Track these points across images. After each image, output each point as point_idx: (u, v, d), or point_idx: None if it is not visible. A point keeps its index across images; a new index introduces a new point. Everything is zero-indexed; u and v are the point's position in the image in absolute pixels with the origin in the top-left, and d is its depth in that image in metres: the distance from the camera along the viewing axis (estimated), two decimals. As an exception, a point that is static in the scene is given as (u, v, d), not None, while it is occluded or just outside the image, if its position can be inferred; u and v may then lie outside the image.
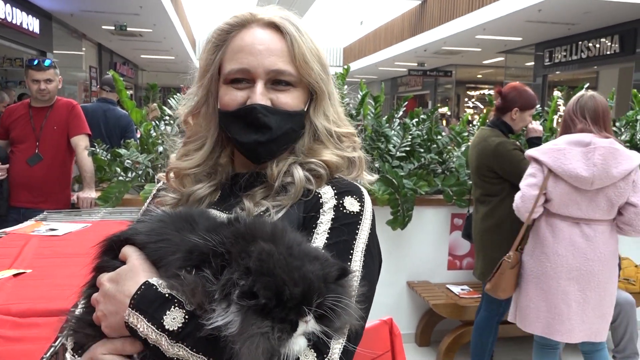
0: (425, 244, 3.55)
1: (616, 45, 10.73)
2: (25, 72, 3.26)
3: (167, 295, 0.72)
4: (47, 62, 3.24)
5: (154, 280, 0.74)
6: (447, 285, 3.45)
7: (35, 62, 3.23)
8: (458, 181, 3.46)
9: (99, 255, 0.85)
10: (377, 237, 0.93)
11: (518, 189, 2.48)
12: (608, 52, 11.01)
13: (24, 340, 1.04)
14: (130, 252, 0.79)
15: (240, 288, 0.67)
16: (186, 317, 0.71)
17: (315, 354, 0.74)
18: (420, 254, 3.55)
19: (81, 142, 3.26)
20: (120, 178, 3.14)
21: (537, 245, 2.39)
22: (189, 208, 0.90)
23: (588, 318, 2.30)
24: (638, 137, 4.04)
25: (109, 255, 0.84)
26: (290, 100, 0.91)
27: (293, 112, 0.91)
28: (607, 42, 10.99)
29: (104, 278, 0.79)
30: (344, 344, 0.78)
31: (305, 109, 0.94)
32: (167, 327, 0.70)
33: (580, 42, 11.76)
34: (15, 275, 1.39)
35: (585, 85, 4.34)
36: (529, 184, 2.37)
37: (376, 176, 1.02)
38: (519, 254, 2.46)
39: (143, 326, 0.71)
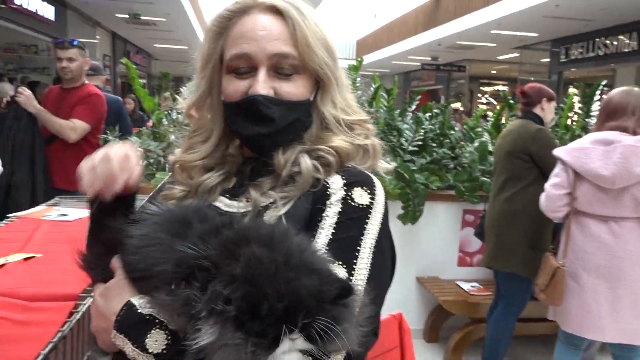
0: (435, 239, 3.52)
1: (634, 43, 10.54)
2: (55, 52, 3.33)
3: (147, 316, 0.71)
4: (74, 42, 3.29)
5: (136, 300, 0.73)
6: (457, 282, 3.42)
7: (61, 41, 3.28)
8: (470, 177, 3.42)
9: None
10: (391, 234, 0.87)
11: (546, 177, 2.52)
12: (626, 50, 10.82)
13: (32, 324, 1.04)
14: (118, 267, 0.79)
15: (223, 298, 0.63)
16: (168, 337, 0.69)
17: None
18: (430, 249, 3.52)
19: (73, 123, 3.20)
20: (132, 166, 3.14)
21: (567, 243, 2.38)
22: (187, 207, 0.86)
23: (621, 318, 2.27)
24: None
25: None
26: (294, 89, 0.87)
27: (298, 101, 0.87)
28: (624, 39, 10.80)
29: (97, 292, 0.79)
30: None
31: (312, 98, 0.90)
32: (150, 350, 0.69)
33: (597, 39, 11.57)
34: (25, 259, 1.40)
35: (602, 83, 4.28)
36: (552, 183, 2.39)
37: (393, 164, 0.97)
38: (553, 254, 2.44)
39: (129, 349, 0.71)
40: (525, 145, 2.71)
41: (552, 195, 2.37)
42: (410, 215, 3.23)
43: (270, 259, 0.66)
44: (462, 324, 3.25)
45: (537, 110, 2.83)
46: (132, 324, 0.71)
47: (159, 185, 1.04)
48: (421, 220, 3.28)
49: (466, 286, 3.34)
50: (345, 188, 0.83)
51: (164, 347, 0.69)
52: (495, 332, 2.83)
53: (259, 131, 0.86)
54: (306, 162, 0.85)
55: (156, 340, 0.69)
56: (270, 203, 0.83)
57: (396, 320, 1.75)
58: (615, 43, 11.14)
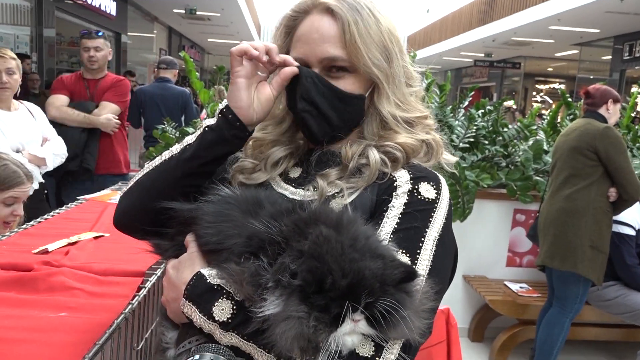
0: (484, 238, 3.46)
1: None
2: (80, 43, 3.46)
3: (215, 286, 0.75)
4: (99, 33, 3.42)
5: (206, 271, 0.78)
6: (505, 282, 3.36)
7: (87, 32, 3.42)
8: (523, 175, 3.34)
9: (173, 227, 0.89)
10: (453, 231, 0.89)
11: (610, 178, 2.54)
12: (696, 47, 10.18)
13: (105, 296, 1.12)
14: (190, 240, 0.84)
15: (290, 271, 0.66)
16: (234, 307, 0.73)
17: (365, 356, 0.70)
18: (478, 248, 3.47)
19: (105, 109, 3.32)
20: (187, 155, 3.26)
21: None
22: (257, 190, 0.90)
23: None
24: None
25: (174, 227, 0.88)
26: (345, 85, 0.89)
27: (346, 92, 0.89)
28: (696, 36, 10.16)
29: (169, 265, 0.84)
30: (397, 354, 0.72)
31: (366, 94, 0.92)
32: (217, 318, 0.73)
33: (665, 36, 10.94)
34: (95, 237, 1.50)
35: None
36: None
37: (456, 157, 0.99)
38: None
39: (196, 317, 0.75)
40: (593, 142, 2.63)
41: None
42: (460, 213, 3.20)
43: (337, 240, 0.69)
44: (508, 325, 3.20)
45: (602, 111, 2.76)
46: (201, 293, 0.75)
47: (229, 160, 1.09)
48: (470, 218, 3.24)
49: (514, 287, 3.28)
50: (412, 182, 0.85)
51: (229, 315, 0.73)
52: (548, 335, 2.76)
53: (303, 107, 0.88)
54: (374, 154, 0.88)
55: (222, 309, 0.73)
56: (336, 192, 0.86)
57: (444, 314, 1.76)
58: (684, 40, 10.50)
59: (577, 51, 14.82)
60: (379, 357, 0.71)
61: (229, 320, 0.73)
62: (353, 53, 0.87)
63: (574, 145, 2.71)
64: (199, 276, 0.77)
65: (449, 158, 0.96)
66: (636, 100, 4.25)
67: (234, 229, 0.77)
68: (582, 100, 2.91)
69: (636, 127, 3.98)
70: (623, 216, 2.80)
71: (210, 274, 0.76)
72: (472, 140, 3.50)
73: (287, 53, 0.93)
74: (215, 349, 0.73)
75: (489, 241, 3.48)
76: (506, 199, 3.40)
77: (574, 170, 2.69)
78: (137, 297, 1.13)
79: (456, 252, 0.90)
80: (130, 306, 1.08)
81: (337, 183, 0.87)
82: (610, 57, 13.06)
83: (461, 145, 3.49)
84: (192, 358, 0.65)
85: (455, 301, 3.47)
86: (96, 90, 3.40)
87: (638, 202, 2.80)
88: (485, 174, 3.33)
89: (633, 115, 4.26)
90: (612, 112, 2.77)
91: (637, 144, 3.76)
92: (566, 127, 3.14)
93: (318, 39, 0.88)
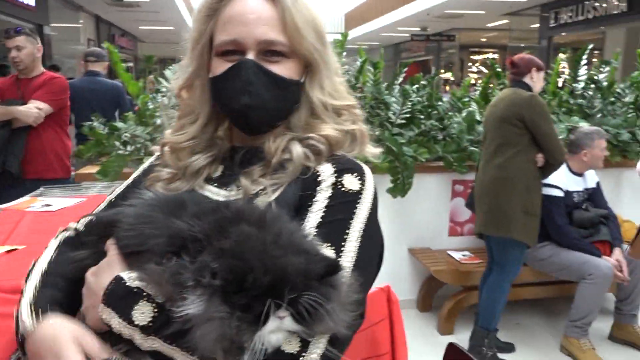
0: (426, 211, 3.55)
1: (624, 5, 10.45)
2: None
3: (135, 289, 0.71)
4: (17, 29, 3.18)
5: (125, 274, 0.74)
6: (448, 252, 3.47)
7: (7, 31, 3.19)
8: (459, 147, 3.43)
9: (85, 232, 0.86)
10: (379, 224, 0.88)
11: (537, 144, 2.68)
12: (615, 12, 10.73)
13: (12, 317, 1.05)
14: (110, 244, 0.80)
15: (211, 271, 0.64)
16: (155, 310, 0.69)
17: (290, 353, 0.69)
18: (421, 221, 3.55)
19: (34, 104, 3.10)
20: (120, 152, 3.14)
21: None
22: (180, 192, 0.88)
23: None
24: (643, 99, 3.98)
25: (94, 235, 0.85)
26: (282, 70, 0.87)
27: (287, 78, 0.87)
28: (614, 1, 10.70)
29: (89, 272, 0.79)
30: (324, 348, 0.71)
31: (302, 81, 0.90)
32: (136, 322, 0.69)
33: (586, 2, 11.46)
34: (8, 251, 1.40)
35: (589, 47, 4.27)
36: None
37: (380, 149, 0.98)
38: None
39: (115, 322, 0.71)
40: (519, 111, 2.71)
41: None
42: (400, 188, 3.25)
43: (259, 237, 0.67)
44: (454, 293, 3.31)
45: (526, 79, 2.83)
46: (120, 297, 0.72)
47: (144, 167, 1.04)
48: (411, 193, 3.30)
49: (457, 255, 3.39)
50: (335, 175, 0.84)
51: (150, 319, 0.70)
52: (489, 299, 2.88)
53: (247, 103, 0.85)
54: (297, 149, 0.86)
55: (142, 313, 0.70)
56: (260, 190, 0.84)
57: (384, 292, 1.78)
58: (604, 5, 11.03)
59: (507, 21, 15.31)
60: (306, 353, 0.70)
61: (150, 324, 0.69)
62: (294, 37, 0.85)
63: (501, 115, 2.79)
64: (117, 280, 0.73)
65: (373, 151, 0.96)
66: (560, 66, 4.43)
67: (155, 230, 0.74)
68: (508, 70, 2.99)
69: (561, 93, 4.15)
70: (551, 179, 2.93)
71: (130, 277, 0.73)
72: (408, 115, 3.55)
73: (210, 39, 0.89)
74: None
75: (431, 213, 3.57)
76: (444, 171, 3.48)
77: (504, 139, 2.77)
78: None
79: (382, 243, 0.89)
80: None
81: (261, 181, 0.86)
82: (538, 25, 13.57)
83: (398, 121, 3.53)
84: None
85: (403, 274, 3.56)
86: (27, 89, 3.17)
87: (565, 165, 2.93)
88: (423, 149, 3.39)
89: (559, 80, 4.44)
90: (536, 80, 2.85)
91: (563, 109, 3.93)
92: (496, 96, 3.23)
93: (255, 20, 0.84)
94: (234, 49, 0.86)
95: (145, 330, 0.69)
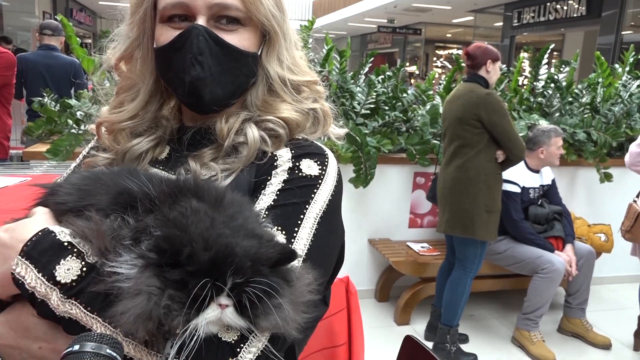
0: (387, 202, 3.55)
1: (583, 8, 10.79)
2: None
3: (65, 243, 0.62)
4: None
5: (56, 228, 0.64)
6: (408, 243, 3.49)
7: None
8: (422, 140, 3.44)
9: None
10: (341, 215, 0.80)
11: (496, 142, 2.70)
12: (575, 15, 11.07)
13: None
14: (37, 208, 0.70)
15: (150, 238, 0.57)
16: (84, 269, 0.60)
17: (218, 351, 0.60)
18: (382, 212, 3.56)
19: None
20: (73, 131, 2.99)
21: None
22: (133, 166, 0.80)
23: None
24: (598, 100, 4.10)
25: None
26: (237, 41, 0.78)
27: (241, 49, 0.78)
28: (574, 4, 11.03)
29: (0, 228, 0.67)
30: (262, 348, 0.63)
31: (259, 53, 0.82)
32: (58, 278, 0.60)
33: (548, 4, 11.77)
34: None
35: (551, 47, 4.36)
36: (637, 143, 2.79)
37: (345, 129, 0.90)
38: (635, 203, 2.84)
39: (31, 277, 0.60)
40: (476, 111, 2.71)
41: (634, 152, 2.77)
42: (362, 179, 3.24)
43: (208, 214, 0.61)
44: (412, 284, 3.34)
45: (482, 72, 2.81)
46: (44, 250, 0.61)
47: (83, 152, 0.96)
48: (373, 183, 3.30)
49: (416, 247, 3.41)
50: (293, 160, 0.77)
51: (75, 277, 0.60)
52: (452, 295, 2.89)
53: (197, 74, 0.76)
54: (253, 132, 0.79)
55: (68, 269, 0.60)
56: (211, 175, 0.77)
57: (343, 283, 1.76)
58: (565, 8, 11.36)
59: (472, 17, 15.56)
60: (244, 345, 0.61)
61: (73, 284, 0.60)
62: (250, 2, 0.77)
63: (459, 116, 2.78)
64: (45, 232, 0.62)
65: (337, 131, 0.89)
66: (522, 64, 4.51)
67: (101, 188, 0.67)
68: (463, 61, 2.97)
69: (522, 91, 4.23)
70: (508, 175, 2.97)
71: (62, 231, 0.63)
72: (372, 106, 3.53)
73: (153, 3, 0.80)
74: (97, 336, 0.63)
75: (392, 204, 3.58)
76: (406, 163, 3.49)
77: (463, 140, 2.78)
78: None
79: (343, 234, 0.83)
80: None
81: (212, 165, 0.78)
82: (501, 23, 13.85)
83: (362, 111, 3.51)
84: (70, 348, 0.54)
85: (362, 264, 3.56)
86: None
87: (522, 161, 2.99)
88: (386, 140, 3.39)
89: (520, 79, 4.53)
90: (492, 72, 2.82)
91: (523, 106, 4.01)
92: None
93: None
94: (182, 13, 0.77)
95: (65, 290, 0.60)
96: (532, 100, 4.10)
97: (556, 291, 3.24)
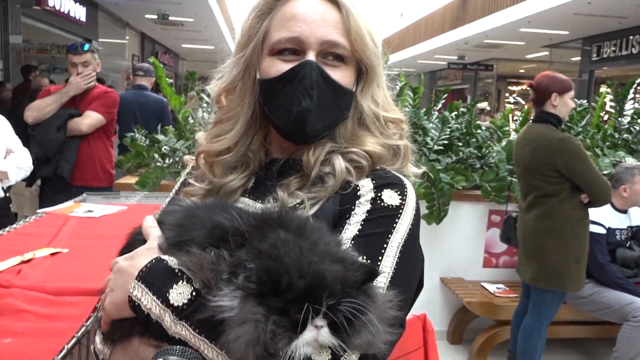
0: (460, 240, 3.46)
1: (671, 40, 10.20)
2: (67, 57, 3.35)
3: (176, 270, 0.68)
4: (85, 47, 3.30)
5: (166, 257, 0.71)
6: (482, 283, 3.36)
7: (74, 46, 3.30)
8: (497, 177, 3.36)
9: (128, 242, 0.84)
10: (419, 240, 0.83)
11: (578, 189, 2.46)
12: (661, 47, 10.48)
13: (57, 319, 1.05)
14: (150, 231, 0.77)
15: (246, 271, 0.62)
16: (193, 293, 0.66)
17: None
18: (455, 250, 3.47)
19: (89, 118, 3.20)
20: (158, 164, 3.19)
21: None
22: (223, 199, 0.86)
23: None
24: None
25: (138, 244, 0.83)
26: (341, 77, 0.83)
27: (344, 86, 0.83)
28: (660, 36, 10.46)
29: (120, 259, 0.76)
30: None
31: (354, 89, 0.86)
32: (172, 301, 0.66)
33: (631, 37, 11.22)
34: (52, 254, 1.43)
35: (637, 81, 4.15)
36: None
37: (423, 168, 0.93)
38: None
39: (147, 299, 0.67)
40: (551, 161, 2.51)
41: None
42: (435, 215, 3.19)
43: (296, 243, 0.66)
44: (487, 326, 3.19)
45: (548, 107, 2.58)
46: (159, 275, 0.68)
47: (181, 180, 1.03)
48: (446, 220, 3.24)
49: (491, 288, 3.28)
50: (375, 190, 0.81)
51: (186, 301, 0.66)
52: (527, 344, 2.72)
53: (307, 106, 0.80)
54: (340, 164, 0.82)
55: (180, 293, 0.67)
56: (297, 204, 0.81)
57: (420, 321, 1.72)
58: (649, 40, 10.79)
59: (547, 53, 15.11)
60: None
61: (184, 307, 0.66)
62: (356, 41, 0.82)
63: (532, 165, 2.59)
64: (158, 260, 0.70)
65: (414, 170, 0.91)
66: (604, 99, 4.31)
67: (197, 223, 0.74)
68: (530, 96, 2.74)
69: (605, 127, 4.04)
70: (592, 215, 2.80)
71: (172, 260, 0.70)
72: (446, 142, 3.50)
73: (263, 40, 0.84)
74: (180, 351, 0.66)
75: (466, 243, 3.48)
76: (481, 200, 3.40)
77: (541, 191, 2.60)
78: (92, 318, 1.06)
79: (423, 262, 0.85)
80: (83, 328, 1.01)
81: (298, 194, 0.82)
82: (579, 58, 13.35)
83: (435, 147, 3.49)
84: None
85: (434, 304, 3.46)
86: (82, 101, 3.27)
87: (608, 202, 2.82)
88: (460, 176, 3.33)
89: (602, 114, 4.33)
90: (559, 105, 2.58)
91: (607, 143, 3.82)
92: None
93: (319, 20, 0.81)
94: (293, 47, 0.82)
95: (178, 312, 0.66)
96: (617, 136, 3.90)
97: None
